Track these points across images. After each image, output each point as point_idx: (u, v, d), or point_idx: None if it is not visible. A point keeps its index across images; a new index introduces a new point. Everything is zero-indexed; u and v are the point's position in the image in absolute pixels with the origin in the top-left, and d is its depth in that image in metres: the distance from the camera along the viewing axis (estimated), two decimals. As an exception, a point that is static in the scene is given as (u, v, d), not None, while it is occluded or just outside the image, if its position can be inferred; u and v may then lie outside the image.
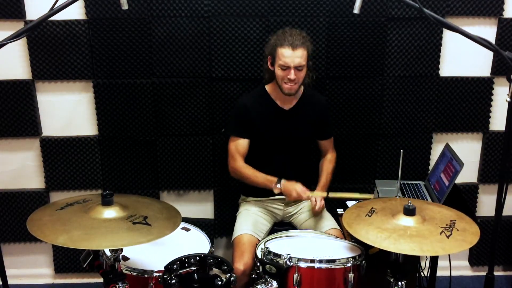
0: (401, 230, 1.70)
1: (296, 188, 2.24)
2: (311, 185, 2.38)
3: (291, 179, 2.30)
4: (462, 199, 2.64)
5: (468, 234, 1.71)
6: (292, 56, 2.16)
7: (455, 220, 1.79)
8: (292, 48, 2.16)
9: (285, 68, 2.19)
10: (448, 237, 1.67)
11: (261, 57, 2.53)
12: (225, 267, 1.80)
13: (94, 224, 1.62)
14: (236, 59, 2.58)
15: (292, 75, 2.18)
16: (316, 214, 2.34)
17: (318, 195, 2.29)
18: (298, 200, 2.41)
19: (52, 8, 1.86)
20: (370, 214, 1.81)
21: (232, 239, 2.31)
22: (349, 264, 1.85)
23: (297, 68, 2.19)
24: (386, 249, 1.64)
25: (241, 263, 2.12)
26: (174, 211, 1.82)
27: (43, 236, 1.55)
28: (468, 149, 2.81)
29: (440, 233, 1.69)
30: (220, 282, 1.73)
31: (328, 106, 2.54)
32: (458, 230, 1.72)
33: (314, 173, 2.44)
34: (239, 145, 2.35)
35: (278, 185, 2.25)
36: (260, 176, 2.31)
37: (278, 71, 2.22)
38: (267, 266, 1.88)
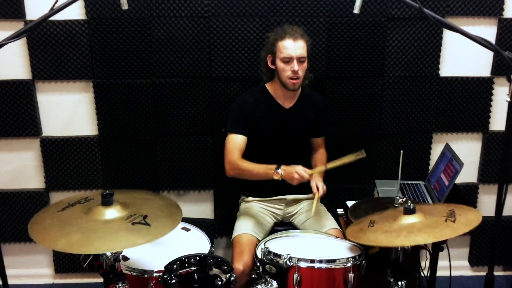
0: (408, 227, 1.69)
1: (297, 169, 2.13)
2: (308, 184, 2.34)
3: None
4: (462, 199, 2.64)
5: (471, 216, 1.71)
6: (294, 47, 2.17)
7: (453, 209, 1.78)
8: (294, 39, 2.17)
9: (288, 60, 2.18)
10: (454, 221, 1.67)
11: (260, 58, 2.53)
12: (225, 267, 1.80)
13: (93, 227, 1.61)
14: (236, 59, 2.58)
15: (295, 66, 2.17)
16: (316, 211, 2.30)
17: (318, 171, 2.25)
18: (300, 194, 2.44)
19: (52, 8, 1.86)
20: (372, 225, 1.80)
21: (232, 239, 2.31)
22: (349, 264, 1.85)
23: (300, 60, 2.19)
24: (400, 245, 1.67)
25: (241, 263, 2.12)
26: (174, 208, 1.79)
27: (43, 241, 1.55)
28: (468, 149, 2.81)
29: (445, 221, 1.69)
30: (220, 282, 1.73)
31: (326, 104, 2.54)
32: (460, 215, 1.71)
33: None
34: (238, 141, 2.29)
35: (279, 170, 2.15)
36: (260, 167, 2.22)
37: (281, 66, 2.21)
38: (267, 266, 1.88)
